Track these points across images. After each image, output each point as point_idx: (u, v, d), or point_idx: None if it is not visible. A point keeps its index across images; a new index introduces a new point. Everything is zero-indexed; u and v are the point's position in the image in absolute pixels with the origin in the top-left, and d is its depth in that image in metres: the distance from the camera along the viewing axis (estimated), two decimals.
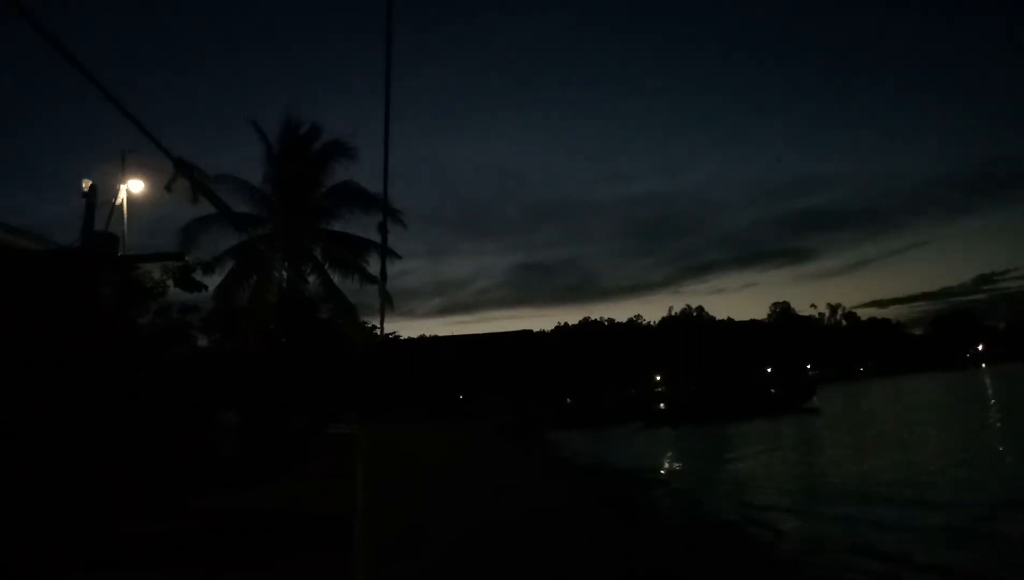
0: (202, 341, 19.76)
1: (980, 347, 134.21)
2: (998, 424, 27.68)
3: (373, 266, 24.87)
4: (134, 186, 15.57)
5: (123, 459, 10.35)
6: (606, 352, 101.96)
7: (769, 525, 12.35)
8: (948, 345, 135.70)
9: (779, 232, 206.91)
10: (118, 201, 15.28)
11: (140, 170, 15.46)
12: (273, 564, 7.76)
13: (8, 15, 2.37)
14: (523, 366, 78.10)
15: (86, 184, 11.84)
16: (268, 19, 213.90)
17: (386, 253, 4.57)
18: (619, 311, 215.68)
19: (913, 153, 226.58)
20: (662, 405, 58.02)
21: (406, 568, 7.75)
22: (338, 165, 25.51)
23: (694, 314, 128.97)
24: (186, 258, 16.00)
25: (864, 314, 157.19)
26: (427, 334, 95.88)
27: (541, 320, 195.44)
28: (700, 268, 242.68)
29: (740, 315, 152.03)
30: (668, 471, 23.38)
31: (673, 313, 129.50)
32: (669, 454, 28.95)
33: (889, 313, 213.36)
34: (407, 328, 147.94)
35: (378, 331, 29.71)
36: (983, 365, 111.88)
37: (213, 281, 20.84)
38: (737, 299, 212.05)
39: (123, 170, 15.33)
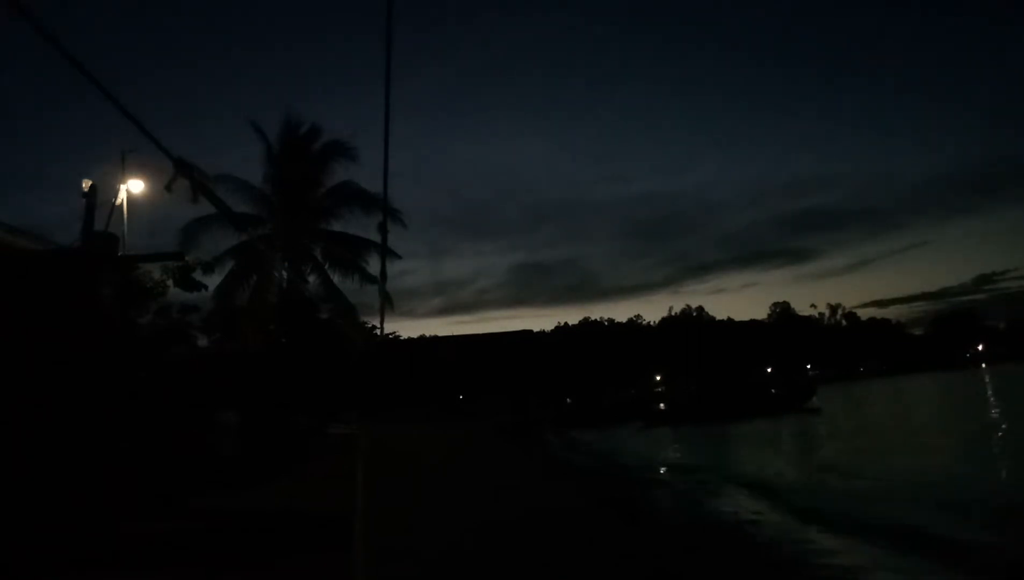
0: (202, 341, 19.77)
1: (980, 347, 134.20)
2: (999, 424, 27.69)
3: (373, 266, 24.89)
4: (134, 186, 15.58)
5: (123, 459, 10.35)
6: (606, 352, 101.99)
7: (769, 525, 12.35)
8: (948, 345, 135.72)
9: (779, 232, 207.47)
10: (118, 201, 15.29)
11: (140, 170, 15.48)
12: (273, 564, 7.76)
13: (8, 15, 2.37)
14: (523, 366, 78.13)
15: (86, 184, 11.83)
16: (268, 19, 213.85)
17: (386, 253, 4.57)
18: (619, 311, 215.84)
19: (913, 153, 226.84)
20: (662, 405, 58.06)
21: (406, 568, 7.75)
22: (338, 165, 25.52)
23: (694, 314, 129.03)
24: (186, 258, 15.99)
25: (864, 314, 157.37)
26: (427, 334, 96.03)
27: (541, 320, 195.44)
28: (700, 268, 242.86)
29: (740, 315, 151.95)
30: (668, 471, 23.37)
31: (673, 313, 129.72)
32: (669, 454, 28.95)
33: (889, 313, 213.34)
34: (407, 328, 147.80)
35: (378, 331, 29.71)
36: (983, 365, 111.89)
37: (213, 281, 20.86)
38: (737, 299, 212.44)
39: (123, 170, 15.34)
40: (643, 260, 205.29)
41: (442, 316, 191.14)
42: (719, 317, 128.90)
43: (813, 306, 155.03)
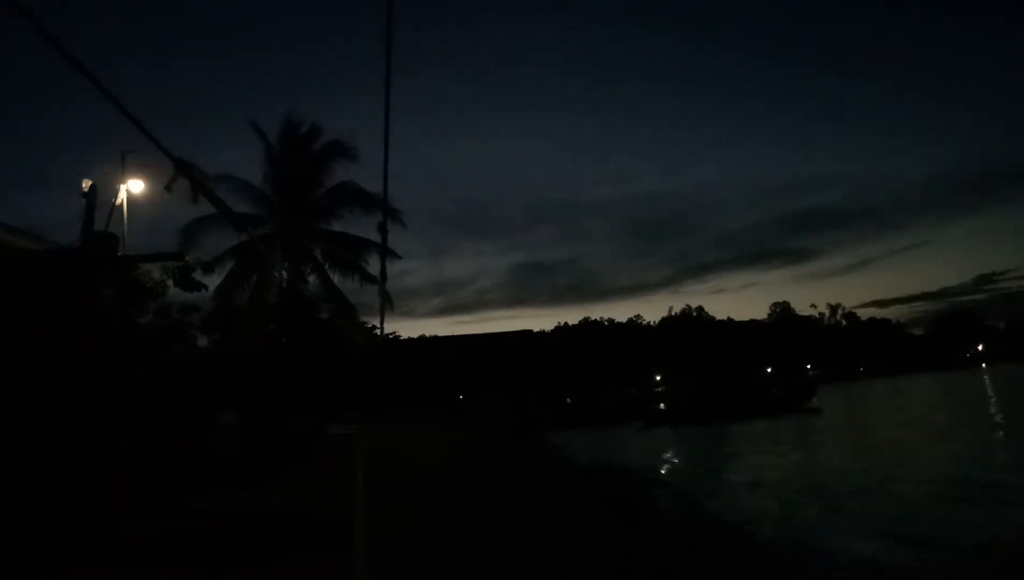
0: (202, 341, 19.76)
1: (980, 347, 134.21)
2: (999, 423, 27.69)
3: (373, 266, 24.91)
4: (134, 186, 15.57)
5: (123, 459, 10.34)
6: (606, 352, 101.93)
7: (769, 525, 12.36)
8: (948, 345, 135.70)
9: (779, 232, 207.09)
10: (118, 201, 15.28)
11: (140, 170, 15.48)
12: (273, 564, 7.76)
13: (8, 15, 2.37)
14: (523, 366, 78.10)
15: (86, 184, 11.83)
16: (268, 19, 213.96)
17: (386, 253, 4.58)
18: (619, 311, 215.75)
19: (913, 153, 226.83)
20: (662, 405, 58.04)
21: (406, 568, 7.75)
22: (338, 165, 25.54)
23: (694, 314, 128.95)
24: (186, 258, 15.99)
25: (864, 314, 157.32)
26: (427, 334, 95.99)
27: (541, 320, 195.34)
28: (700, 268, 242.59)
29: (740, 315, 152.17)
30: (668, 471, 23.37)
31: (673, 313, 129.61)
32: (669, 454, 28.95)
33: (889, 313, 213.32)
34: (407, 328, 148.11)
35: (378, 331, 29.74)
36: (983, 365, 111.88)
37: (213, 281, 20.85)
38: (737, 299, 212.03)
39: (123, 170, 15.34)
40: (643, 260, 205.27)
41: (442, 316, 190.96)
42: (719, 317, 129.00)
43: (813, 306, 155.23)
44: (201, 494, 12.01)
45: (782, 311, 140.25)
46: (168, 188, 3.67)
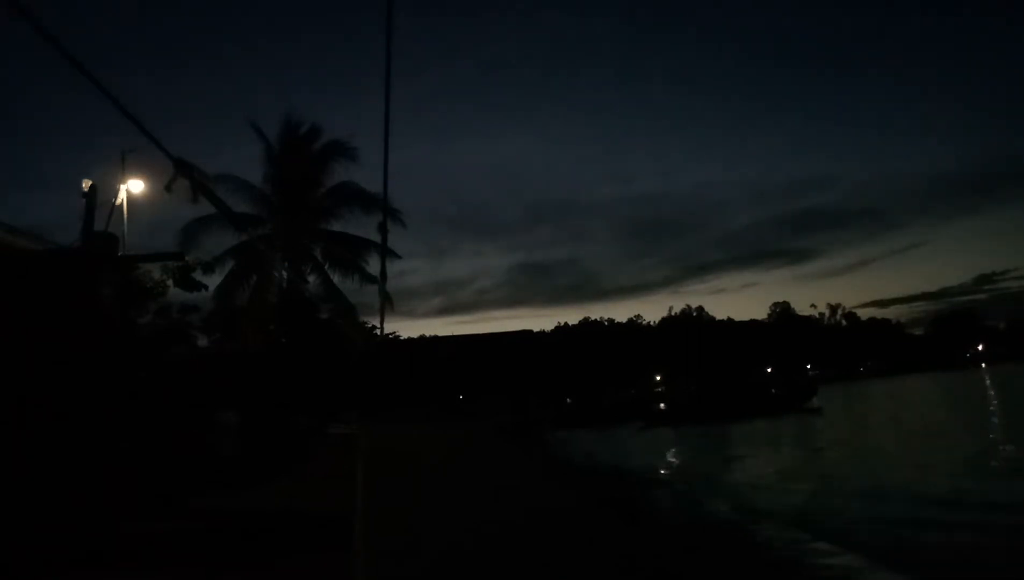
0: (202, 341, 19.78)
1: (980, 347, 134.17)
2: (997, 423, 27.69)
3: (373, 266, 24.90)
4: (134, 186, 15.59)
5: (123, 459, 10.34)
6: (606, 352, 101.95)
7: (769, 525, 12.35)
8: (948, 345, 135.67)
9: (779, 232, 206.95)
10: (118, 201, 15.29)
11: (140, 170, 15.49)
12: (273, 564, 7.76)
13: (8, 15, 2.36)
14: (523, 366, 78.12)
15: (86, 184, 11.82)
16: (268, 19, 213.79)
17: (386, 253, 4.58)
18: (619, 311, 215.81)
19: (913, 153, 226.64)
20: (662, 405, 58.04)
21: (406, 568, 7.76)
22: (338, 165, 25.53)
23: (694, 314, 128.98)
24: (186, 258, 16.00)
25: (864, 314, 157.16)
26: (427, 334, 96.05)
27: (541, 320, 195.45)
28: (700, 268, 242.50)
29: (740, 315, 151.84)
30: (668, 471, 23.38)
31: (673, 313, 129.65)
32: (669, 454, 28.95)
33: (889, 313, 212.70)
34: (407, 328, 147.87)
35: (378, 331, 29.75)
36: (983, 365, 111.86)
37: (213, 281, 20.84)
38: (737, 299, 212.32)
39: (123, 170, 15.35)
40: (643, 260, 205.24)
41: (442, 316, 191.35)
42: (719, 317, 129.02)
43: (813, 306, 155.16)
44: (201, 494, 12.01)
45: (782, 311, 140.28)
46: (168, 188, 3.67)
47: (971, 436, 23.43)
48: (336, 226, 26.11)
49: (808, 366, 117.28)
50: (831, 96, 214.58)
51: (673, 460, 26.88)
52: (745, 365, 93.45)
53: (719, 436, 33.43)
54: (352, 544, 7.42)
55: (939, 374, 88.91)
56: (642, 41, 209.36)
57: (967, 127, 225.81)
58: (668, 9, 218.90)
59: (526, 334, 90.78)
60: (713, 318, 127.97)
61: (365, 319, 29.49)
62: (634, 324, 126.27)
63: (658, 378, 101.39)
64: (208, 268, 17.89)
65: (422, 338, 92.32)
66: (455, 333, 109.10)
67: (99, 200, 12.66)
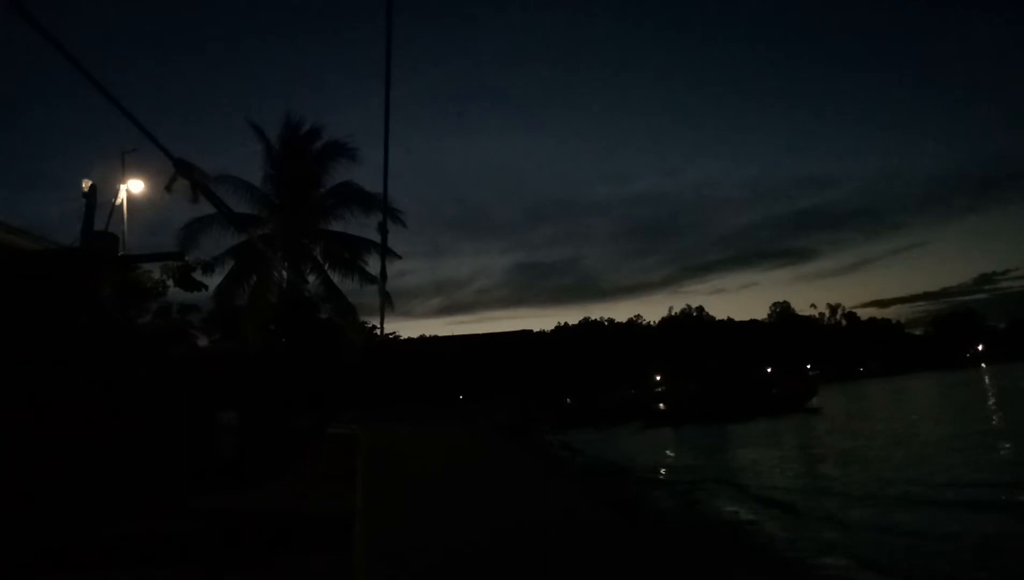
0: (202, 341, 19.79)
1: (980, 347, 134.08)
2: (996, 422, 27.70)
3: (373, 266, 24.89)
4: (134, 186, 15.58)
5: (123, 458, 10.34)
6: (606, 352, 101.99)
7: (769, 525, 12.36)
8: (948, 345, 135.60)
9: (779, 232, 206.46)
10: (118, 201, 15.29)
11: (140, 170, 15.49)
12: (273, 564, 7.76)
13: (8, 15, 2.37)
14: (523, 366, 78.15)
15: (86, 184, 11.83)
16: (268, 18, 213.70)
17: (386, 253, 4.59)
18: (619, 311, 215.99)
19: (913, 153, 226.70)
20: (662, 405, 58.01)
21: (406, 568, 7.76)
22: (338, 165, 25.52)
23: (694, 314, 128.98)
24: (186, 258, 16.01)
25: (864, 314, 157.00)
26: (427, 334, 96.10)
27: (541, 320, 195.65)
28: (700, 268, 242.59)
29: (740, 315, 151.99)
30: (668, 471, 23.38)
31: (673, 313, 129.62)
32: (670, 454, 28.95)
33: (889, 313, 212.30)
34: (407, 328, 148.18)
35: (378, 331, 29.75)
36: (983, 365, 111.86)
37: (213, 281, 20.89)
38: (737, 299, 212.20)
39: (123, 170, 15.36)
40: (643, 260, 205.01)
41: (442, 316, 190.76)
42: (719, 317, 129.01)
43: (813, 306, 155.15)
44: (201, 494, 12.00)
45: (782, 311, 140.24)
46: (168, 188, 3.68)
47: (970, 436, 23.43)
48: (336, 226, 26.13)
49: (808, 366, 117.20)
50: (832, 96, 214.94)
51: (673, 460, 26.87)
52: (745, 365, 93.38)
53: (720, 436, 33.43)
54: (352, 544, 7.43)
55: (939, 374, 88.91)
56: (642, 41, 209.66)
57: (968, 127, 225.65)
58: (668, 9, 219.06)
59: (526, 334, 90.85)
60: (713, 318, 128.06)
61: (365, 319, 29.54)
62: (634, 324, 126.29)
63: (658, 378, 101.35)
64: (208, 268, 17.93)
65: (422, 338, 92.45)
66: (455, 333, 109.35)
67: (99, 200, 12.67)
